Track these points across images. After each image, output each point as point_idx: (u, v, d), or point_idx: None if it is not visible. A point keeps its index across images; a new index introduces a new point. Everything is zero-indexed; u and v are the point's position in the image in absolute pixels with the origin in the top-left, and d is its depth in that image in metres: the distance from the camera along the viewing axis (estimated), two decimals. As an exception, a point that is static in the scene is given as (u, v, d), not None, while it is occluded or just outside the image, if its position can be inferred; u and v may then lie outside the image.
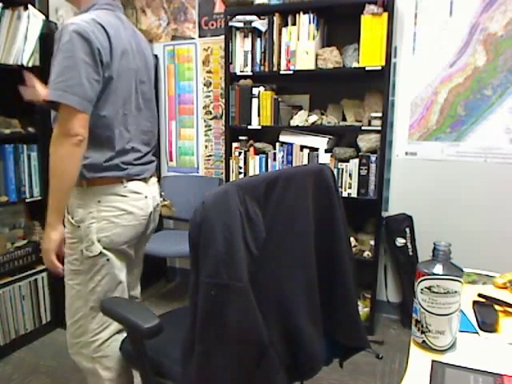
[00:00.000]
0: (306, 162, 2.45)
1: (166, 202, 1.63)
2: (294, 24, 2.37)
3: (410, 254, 2.46)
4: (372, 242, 2.41)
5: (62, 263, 1.36)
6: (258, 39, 2.47)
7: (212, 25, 2.87)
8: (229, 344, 0.88)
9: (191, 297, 0.90)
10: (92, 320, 1.35)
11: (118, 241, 1.33)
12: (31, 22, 2.10)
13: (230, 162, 2.64)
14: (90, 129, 1.22)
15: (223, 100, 2.81)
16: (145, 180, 1.40)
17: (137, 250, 1.48)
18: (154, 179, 1.49)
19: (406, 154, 2.48)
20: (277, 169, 2.55)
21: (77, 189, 1.30)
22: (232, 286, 0.84)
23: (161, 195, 1.55)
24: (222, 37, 2.62)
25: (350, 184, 2.37)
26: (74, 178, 1.21)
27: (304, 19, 2.33)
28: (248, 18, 2.43)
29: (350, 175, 2.37)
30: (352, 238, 2.49)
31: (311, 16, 2.31)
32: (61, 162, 1.19)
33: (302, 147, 2.46)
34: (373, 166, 2.31)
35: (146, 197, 1.38)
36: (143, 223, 1.39)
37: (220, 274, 0.84)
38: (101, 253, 1.31)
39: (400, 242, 2.45)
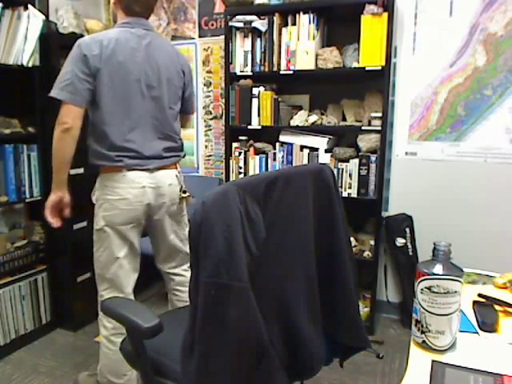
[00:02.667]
0: (305, 161, 2.45)
1: (184, 195, 1.72)
2: (294, 24, 2.37)
3: (410, 254, 2.46)
4: (372, 242, 2.41)
5: (62, 220, 1.67)
6: (258, 39, 2.47)
7: (212, 25, 2.87)
8: (229, 343, 0.88)
9: (191, 297, 0.90)
10: (100, 282, 1.69)
11: (115, 221, 1.59)
12: (31, 22, 2.10)
13: (230, 162, 2.64)
14: (92, 123, 1.58)
15: (223, 100, 2.81)
16: (149, 170, 1.61)
17: (152, 233, 1.78)
18: (169, 171, 1.70)
19: (406, 154, 2.48)
20: (277, 169, 2.55)
21: (99, 175, 1.63)
22: (232, 285, 0.85)
23: (181, 188, 1.75)
24: (222, 37, 2.62)
25: (350, 184, 2.37)
26: (63, 157, 1.52)
27: (304, 19, 2.33)
28: (248, 17, 2.43)
29: (350, 175, 2.37)
30: (352, 238, 2.49)
31: (311, 16, 2.31)
32: (54, 143, 1.51)
33: (302, 147, 2.46)
34: (373, 166, 2.31)
35: (143, 186, 1.60)
36: (139, 209, 1.61)
37: (220, 274, 0.84)
38: (102, 228, 1.61)
39: (400, 242, 2.45)
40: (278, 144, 2.53)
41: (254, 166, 2.59)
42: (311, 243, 1.10)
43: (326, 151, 2.41)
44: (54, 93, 1.47)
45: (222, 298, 0.85)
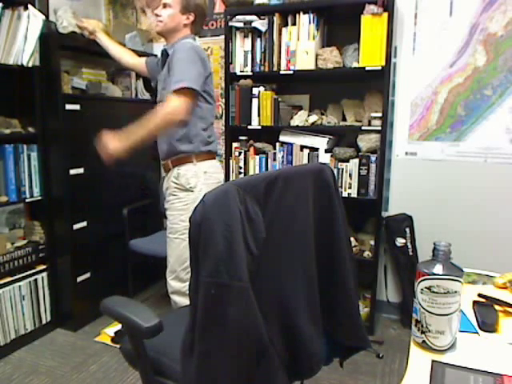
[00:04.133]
0: (305, 161, 2.44)
1: None
2: (294, 24, 2.37)
3: (410, 254, 2.46)
4: (372, 242, 2.41)
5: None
6: (258, 39, 2.47)
7: (212, 25, 2.87)
8: (229, 343, 0.88)
9: (191, 296, 0.90)
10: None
11: None
12: (31, 22, 2.10)
13: (230, 161, 2.64)
14: (198, 116, 1.87)
15: (223, 100, 2.81)
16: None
17: None
18: None
19: (406, 154, 2.48)
20: (277, 169, 2.55)
21: (188, 165, 1.85)
22: (232, 285, 0.84)
23: None
24: (222, 37, 2.62)
25: (350, 184, 2.37)
26: (160, 131, 1.80)
27: (304, 19, 2.33)
28: (248, 17, 2.43)
29: (350, 175, 2.37)
30: (352, 238, 2.49)
31: (311, 16, 2.31)
32: (165, 120, 1.72)
33: (302, 147, 2.46)
34: (373, 166, 2.31)
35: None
36: None
37: (220, 273, 0.84)
38: None
39: (400, 242, 2.45)
40: (278, 144, 2.53)
41: (254, 165, 2.59)
42: (311, 243, 1.10)
43: (326, 151, 2.41)
44: (187, 83, 1.72)
45: (222, 298, 0.85)
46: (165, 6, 1.86)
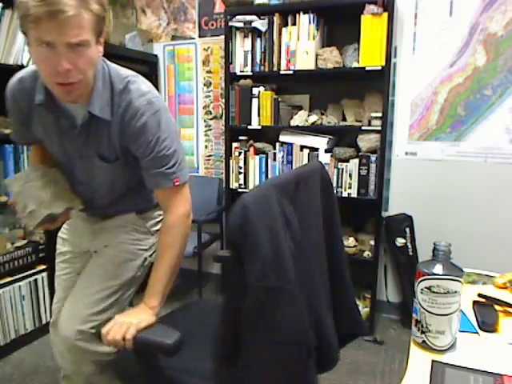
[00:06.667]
0: (305, 162, 2.44)
1: None
2: (294, 24, 2.37)
3: (410, 254, 2.46)
4: (372, 242, 2.41)
5: None
6: (258, 39, 2.46)
7: (212, 25, 2.87)
8: (281, 347, 0.85)
9: (229, 304, 0.87)
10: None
11: None
12: (31, 21, 2.10)
13: (230, 161, 2.64)
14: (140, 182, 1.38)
15: (223, 100, 2.81)
16: None
17: None
18: None
19: (406, 154, 2.48)
20: (277, 169, 2.55)
21: (156, 209, 1.43)
22: (282, 288, 0.82)
23: None
24: (222, 37, 2.62)
25: (350, 184, 2.37)
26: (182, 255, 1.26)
27: (304, 19, 2.33)
28: (248, 17, 2.43)
29: (350, 175, 2.37)
30: (352, 238, 2.49)
31: (311, 16, 2.31)
32: (183, 239, 1.22)
33: (302, 147, 2.46)
34: (373, 166, 2.31)
35: None
36: None
37: (268, 277, 0.81)
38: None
39: (400, 242, 2.45)
40: (278, 144, 2.53)
41: (254, 166, 2.59)
42: (323, 239, 1.12)
43: (326, 151, 2.41)
44: (182, 179, 1.19)
45: (273, 301, 0.82)
46: (80, 44, 0.98)
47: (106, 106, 1.12)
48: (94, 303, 1.25)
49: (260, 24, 2.41)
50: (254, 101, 2.52)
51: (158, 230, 1.38)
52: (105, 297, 1.27)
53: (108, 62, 1.16)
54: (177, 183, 1.18)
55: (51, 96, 1.11)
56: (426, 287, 0.86)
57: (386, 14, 2.15)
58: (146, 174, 1.20)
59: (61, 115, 1.16)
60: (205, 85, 2.96)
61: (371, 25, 2.19)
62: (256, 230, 0.81)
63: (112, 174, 1.26)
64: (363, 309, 2.43)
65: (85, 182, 1.29)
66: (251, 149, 2.60)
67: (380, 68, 2.19)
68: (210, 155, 3.03)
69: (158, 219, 1.43)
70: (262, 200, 0.85)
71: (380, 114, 2.25)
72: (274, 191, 0.87)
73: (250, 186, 2.61)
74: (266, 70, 2.47)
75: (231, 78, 2.56)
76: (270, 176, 2.56)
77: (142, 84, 1.15)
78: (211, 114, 2.98)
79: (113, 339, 1.03)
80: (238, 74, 2.54)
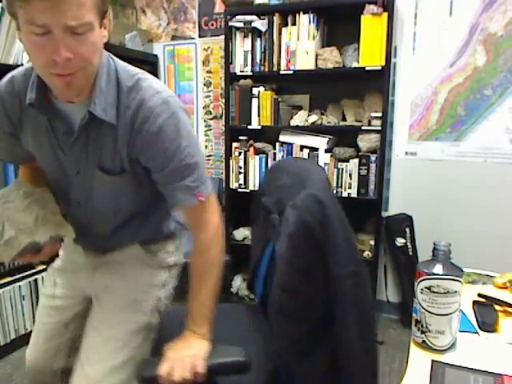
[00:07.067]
0: (306, 161, 2.45)
1: None
2: (294, 24, 2.37)
3: (410, 254, 2.46)
4: (372, 242, 2.41)
5: None
6: (258, 39, 2.46)
7: (212, 25, 2.87)
8: (370, 325, 0.93)
9: (317, 298, 0.90)
10: None
11: None
12: (31, 21, 2.10)
13: (230, 161, 2.64)
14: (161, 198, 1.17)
15: (223, 100, 2.81)
16: None
17: None
18: None
19: (406, 153, 2.48)
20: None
21: (169, 239, 1.20)
22: (362, 271, 0.89)
23: None
24: (222, 37, 2.62)
25: (350, 184, 2.37)
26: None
27: (304, 19, 2.33)
28: (248, 17, 2.43)
29: (350, 175, 2.37)
30: (352, 238, 2.49)
31: (311, 16, 2.31)
32: (223, 253, 1.06)
33: (302, 147, 2.46)
34: (373, 166, 2.31)
35: None
36: None
37: (352, 264, 0.87)
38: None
39: (400, 241, 2.45)
40: (277, 144, 2.53)
41: (254, 166, 2.59)
42: None
43: (326, 151, 2.41)
44: (206, 193, 1.01)
45: (360, 285, 0.88)
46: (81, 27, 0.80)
47: (110, 106, 0.92)
48: (109, 369, 1.03)
49: (260, 24, 2.41)
50: (254, 101, 2.52)
51: (171, 266, 1.19)
52: (118, 357, 1.05)
53: (114, 57, 0.98)
54: (201, 198, 0.99)
55: (44, 94, 0.93)
56: (425, 287, 0.86)
57: (385, 14, 2.15)
58: (162, 189, 1.02)
59: (55, 117, 0.96)
60: (205, 85, 2.96)
61: (371, 25, 2.19)
62: (335, 223, 0.87)
63: (116, 192, 1.04)
64: (363, 309, 2.44)
65: (82, 204, 1.07)
66: (251, 149, 2.60)
67: (380, 68, 2.19)
68: (210, 155, 3.03)
69: (171, 251, 1.20)
70: (331, 193, 0.92)
71: (380, 114, 2.25)
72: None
73: (250, 186, 2.61)
74: (266, 70, 2.47)
75: (231, 78, 2.56)
76: (270, 176, 2.56)
77: (154, 81, 0.96)
78: (211, 113, 2.98)
79: (181, 377, 0.89)
80: (238, 74, 2.54)
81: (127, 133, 0.94)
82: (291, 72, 2.39)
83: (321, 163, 2.41)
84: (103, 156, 0.97)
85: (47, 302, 1.23)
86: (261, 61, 2.48)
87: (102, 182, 1.01)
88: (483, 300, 1.09)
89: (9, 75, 1.05)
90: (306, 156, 2.45)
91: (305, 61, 2.35)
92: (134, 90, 0.93)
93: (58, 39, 0.77)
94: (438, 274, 0.85)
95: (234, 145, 2.64)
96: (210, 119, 2.99)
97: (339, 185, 2.40)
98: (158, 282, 1.15)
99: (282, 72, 2.42)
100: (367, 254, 2.41)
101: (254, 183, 2.61)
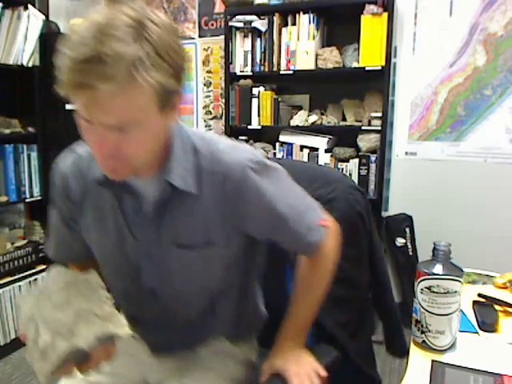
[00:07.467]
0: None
1: None
2: (294, 24, 2.37)
3: (410, 253, 2.46)
4: (372, 242, 2.41)
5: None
6: (258, 39, 2.46)
7: (212, 25, 2.87)
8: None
9: (362, 278, 1.01)
10: None
11: None
12: (31, 21, 2.10)
13: (230, 161, 2.64)
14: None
15: (223, 100, 2.81)
16: None
17: None
18: None
19: (406, 153, 2.48)
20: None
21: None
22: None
23: None
24: (222, 37, 2.62)
25: (350, 184, 2.37)
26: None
27: (304, 19, 2.33)
28: (248, 17, 2.43)
29: (350, 175, 2.37)
30: (352, 238, 2.49)
31: (311, 16, 2.31)
32: (330, 274, 0.96)
33: (302, 147, 2.46)
34: (373, 166, 2.31)
35: None
36: None
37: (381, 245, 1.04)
38: None
39: (400, 241, 2.45)
40: (277, 144, 2.53)
41: (254, 165, 2.58)
42: None
43: (326, 151, 2.41)
44: (317, 236, 0.89)
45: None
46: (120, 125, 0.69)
47: (189, 176, 0.80)
48: None
49: (260, 24, 2.41)
50: (254, 101, 2.51)
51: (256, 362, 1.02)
52: None
53: (184, 125, 0.86)
54: (324, 223, 0.91)
55: None
56: (425, 287, 0.86)
57: (385, 14, 2.15)
58: (286, 246, 0.94)
59: (125, 194, 0.84)
60: (205, 85, 2.96)
61: (371, 25, 2.19)
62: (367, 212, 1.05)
63: (201, 268, 0.87)
64: (363, 309, 2.44)
65: (158, 292, 0.89)
66: (251, 149, 2.59)
67: (380, 68, 2.19)
68: (210, 155, 3.03)
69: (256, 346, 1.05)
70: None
71: (380, 114, 2.25)
72: None
73: (250, 186, 2.61)
74: (266, 69, 2.47)
75: (231, 78, 2.56)
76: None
77: (234, 143, 0.87)
78: (211, 113, 2.98)
79: None
80: (238, 73, 2.54)
81: (217, 202, 0.82)
82: (291, 72, 2.39)
83: (321, 163, 2.41)
84: (183, 231, 0.84)
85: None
86: (261, 61, 2.48)
87: (184, 260, 0.86)
88: (483, 300, 1.08)
89: (71, 154, 0.91)
90: (306, 156, 2.45)
91: (305, 61, 2.35)
92: (216, 155, 0.82)
93: (100, 134, 0.69)
94: (437, 274, 0.85)
95: (234, 145, 2.63)
96: (210, 119, 2.99)
97: (339, 185, 2.40)
98: (241, 378, 0.98)
99: (281, 72, 2.42)
100: (367, 254, 2.41)
101: (253, 183, 2.60)
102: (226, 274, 0.90)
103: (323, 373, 0.87)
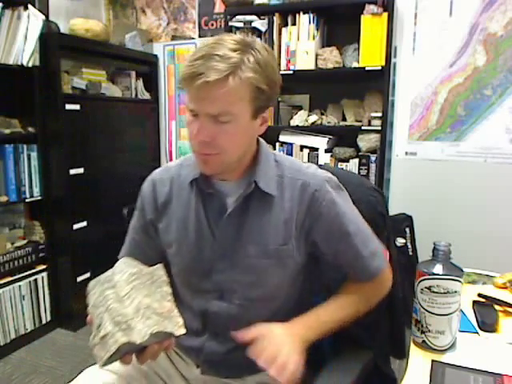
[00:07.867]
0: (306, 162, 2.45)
1: None
2: (294, 24, 2.37)
3: (410, 254, 2.46)
4: (372, 242, 2.41)
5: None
6: (258, 39, 2.46)
7: (212, 25, 2.87)
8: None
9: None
10: None
11: None
12: (31, 21, 2.10)
13: (230, 161, 2.64)
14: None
15: (223, 100, 2.81)
16: None
17: None
18: None
19: (406, 153, 2.48)
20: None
21: None
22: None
23: None
24: (222, 37, 2.62)
25: (350, 184, 2.37)
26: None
27: (304, 19, 2.33)
28: (248, 17, 2.43)
29: (350, 175, 2.36)
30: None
31: (311, 16, 2.31)
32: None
33: (302, 147, 2.46)
34: (373, 166, 2.31)
35: None
36: None
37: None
38: None
39: (400, 241, 2.45)
40: (277, 144, 2.53)
41: (254, 165, 2.59)
42: None
43: (326, 151, 2.41)
44: (380, 262, 0.96)
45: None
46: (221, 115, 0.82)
47: (272, 182, 0.91)
48: None
49: (260, 24, 2.41)
50: (254, 101, 2.51)
51: None
52: None
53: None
54: (381, 270, 0.96)
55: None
56: (425, 287, 0.86)
57: (385, 14, 2.15)
58: (348, 267, 0.97)
59: (211, 195, 0.92)
60: (205, 85, 2.96)
61: (371, 25, 2.19)
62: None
63: (272, 270, 0.91)
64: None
65: (226, 294, 0.93)
66: (251, 149, 2.59)
67: (380, 68, 2.19)
68: (210, 155, 3.03)
69: None
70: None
71: (380, 114, 2.25)
72: None
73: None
74: (266, 69, 2.46)
75: (231, 78, 2.55)
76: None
77: (310, 164, 0.98)
78: (211, 113, 2.98)
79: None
80: (238, 73, 2.54)
81: (295, 204, 0.90)
82: (291, 72, 2.38)
83: (321, 163, 2.41)
84: (262, 230, 0.90)
85: None
86: (261, 61, 2.48)
87: (257, 261, 0.90)
88: (483, 300, 1.09)
89: (162, 167, 1.05)
90: (306, 156, 2.44)
91: (305, 61, 2.35)
92: (297, 167, 0.94)
93: (201, 123, 0.82)
94: (438, 274, 0.85)
95: (234, 145, 2.63)
96: (210, 119, 2.99)
97: (339, 185, 2.40)
98: None
99: (281, 72, 2.42)
100: (367, 253, 2.41)
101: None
102: (290, 282, 0.95)
103: (295, 371, 0.78)
